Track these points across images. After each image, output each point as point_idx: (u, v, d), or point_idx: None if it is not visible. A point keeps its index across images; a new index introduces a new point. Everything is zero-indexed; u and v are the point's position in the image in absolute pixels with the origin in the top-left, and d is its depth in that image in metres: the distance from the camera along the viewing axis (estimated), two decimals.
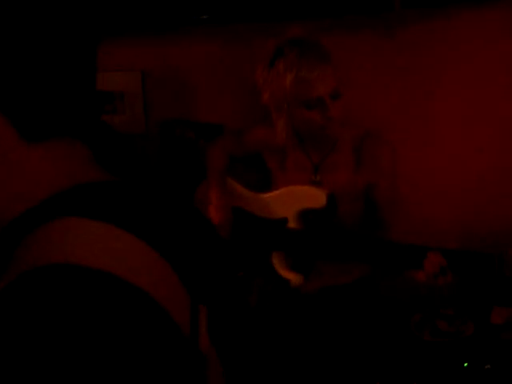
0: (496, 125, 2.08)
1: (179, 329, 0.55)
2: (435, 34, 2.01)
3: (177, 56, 2.35)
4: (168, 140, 2.36)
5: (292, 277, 1.79)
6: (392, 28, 2.01)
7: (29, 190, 0.61)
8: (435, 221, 2.12)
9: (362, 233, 1.87)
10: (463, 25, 2.00)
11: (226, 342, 0.65)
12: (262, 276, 1.95)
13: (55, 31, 0.60)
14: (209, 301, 0.62)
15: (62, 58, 0.61)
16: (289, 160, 1.87)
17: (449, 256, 1.57)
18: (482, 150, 2.08)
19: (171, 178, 2.32)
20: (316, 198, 1.74)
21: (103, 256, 0.54)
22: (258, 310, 1.90)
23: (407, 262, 1.63)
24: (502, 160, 2.10)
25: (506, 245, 1.55)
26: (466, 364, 1.85)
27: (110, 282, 0.52)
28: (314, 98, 1.65)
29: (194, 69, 2.34)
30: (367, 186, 1.81)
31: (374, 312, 1.93)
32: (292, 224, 1.78)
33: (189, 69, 2.35)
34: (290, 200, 1.79)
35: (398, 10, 1.89)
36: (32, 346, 0.48)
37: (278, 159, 1.89)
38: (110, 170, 0.68)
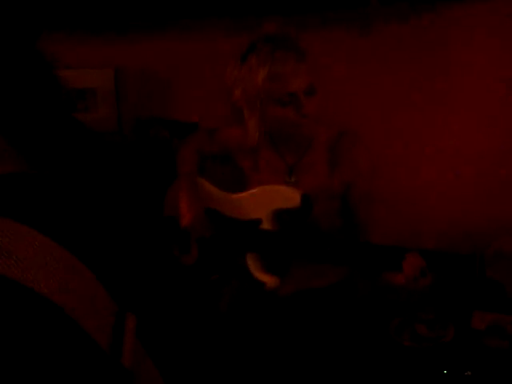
0: (473, 124, 2.05)
1: (91, 340, 0.48)
2: (412, 31, 1.97)
3: (151, 53, 2.29)
4: (141, 139, 2.30)
5: (267, 279, 1.73)
6: (368, 24, 1.97)
7: None
8: (414, 221, 2.08)
9: (339, 234, 1.82)
10: (442, 21, 1.96)
11: (165, 350, 0.58)
12: (235, 279, 1.89)
13: None
14: (138, 308, 0.55)
15: None
16: (262, 161, 1.82)
17: (428, 257, 1.52)
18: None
19: (143, 177, 2.25)
20: (290, 198, 1.68)
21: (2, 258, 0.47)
22: (229, 315, 1.83)
23: (386, 264, 1.57)
24: (480, 160, 2.07)
25: (486, 245, 1.49)
26: (445, 371, 1.80)
27: (4, 288, 0.45)
28: (287, 94, 1.61)
29: (169, 66, 2.29)
30: (343, 186, 1.76)
31: (351, 316, 1.88)
32: (266, 225, 1.72)
33: (163, 66, 2.30)
34: (264, 200, 1.73)
35: (374, 5, 1.85)
36: None
37: (250, 160, 1.84)
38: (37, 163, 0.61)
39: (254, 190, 1.77)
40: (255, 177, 1.82)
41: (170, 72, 2.29)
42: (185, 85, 2.26)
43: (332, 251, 1.65)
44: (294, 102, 1.61)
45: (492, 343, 1.90)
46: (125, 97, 2.36)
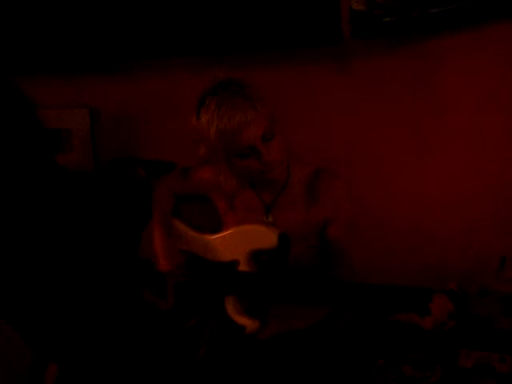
0: (459, 165, 2.03)
1: None
2: (389, 66, 1.96)
3: (126, 93, 2.28)
4: (117, 178, 2.26)
5: (247, 322, 1.68)
6: (343, 60, 1.95)
7: None
8: (393, 257, 2.04)
9: (320, 273, 1.77)
10: (419, 55, 1.95)
11: None
12: (212, 324, 1.84)
13: None
14: (60, 358, 0.51)
15: None
16: (238, 201, 1.78)
17: (409, 293, 1.47)
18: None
19: (119, 217, 2.21)
20: (267, 237, 1.64)
21: None
22: (206, 363, 1.77)
23: (407, 305, 1.50)
24: (475, 200, 2.04)
25: (468, 281, 1.45)
26: None
27: None
28: (243, 147, 1.56)
29: (144, 105, 2.27)
30: (322, 223, 1.71)
31: (334, 357, 1.82)
32: (243, 266, 1.67)
33: (138, 106, 2.28)
34: (240, 241, 1.68)
35: (347, 41, 1.83)
36: None
37: (226, 199, 1.80)
38: None
39: (229, 231, 1.72)
40: (232, 217, 1.78)
41: (145, 111, 2.27)
42: (160, 124, 2.24)
43: (313, 291, 1.60)
44: (254, 153, 1.57)
45: (480, 382, 1.86)
46: (100, 137, 2.34)
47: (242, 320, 1.68)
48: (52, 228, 1.91)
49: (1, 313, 1.55)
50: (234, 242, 1.70)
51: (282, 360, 1.75)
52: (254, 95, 1.56)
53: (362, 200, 1.87)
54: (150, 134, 2.29)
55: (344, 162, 1.93)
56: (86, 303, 1.87)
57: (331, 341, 1.85)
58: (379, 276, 1.67)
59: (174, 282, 1.76)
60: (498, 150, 2.01)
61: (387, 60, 1.96)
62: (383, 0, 1.82)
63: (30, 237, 1.86)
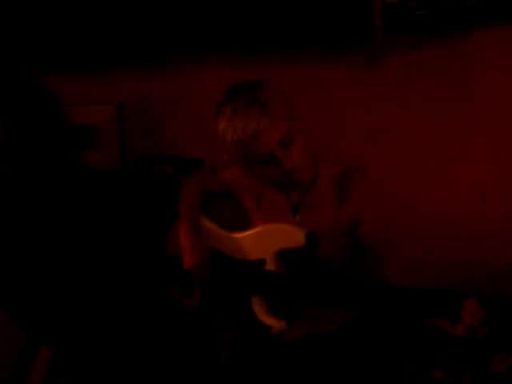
0: (480, 156, 1.98)
1: None
2: (422, 62, 1.91)
3: (155, 88, 2.27)
4: (145, 176, 2.25)
5: (273, 323, 1.65)
6: (372, 57, 1.90)
7: None
8: (422, 256, 2.00)
9: (350, 275, 1.73)
10: (453, 51, 1.89)
11: None
12: (237, 325, 1.81)
13: None
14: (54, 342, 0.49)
15: None
16: (265, 200, 1.75)
17: (440, 298, 1.43)
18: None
19: (147, 215, 2.20)
20: (294, 236, 1.61)
21: None
22: (230, 365, 1.75)
23: (403, 307, 1.47)
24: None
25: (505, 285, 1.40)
26: None
27: None
28: (260, 155, 1.53)
29: (173, 102, 2.26)
30: (352, 222, 1.67)
31: (363, 361, 1.78)
32: (270, 265, 1.65)
33: (167, 102, 2.27)
34: (267, 240, 1.66)
35: (378, 38, 1.78)
36: None
37: (254, 199, 1.77)
38: None
39: (256, 229, 1.70)
40: (259, 216, 1.76)
41: (175, 108, 2.26)
42: (189, 121, 2.23)
43: (343, 294, 1.57)
44: (273, 160, 1.54)
45: None
46: (128, 133, 2.33)
47: (269, 320, 1.65)
48: (78, 226, 1.92)
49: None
50: (261, 240, 1.67)
51: (308, 363, 1.72)
52: (268, 100, 1.51)
53: (388, 198, 1.83)
54: (178, 130, 2.28)
55: (372, 159, 1.88)
56: (108, 298, 1.88)
57: (359, 344, 1.81)
58: (408, 277, 1.62)
59: (200, 279, 1.74)
60: None
61: (420, 55, 1.92)
62: None
63: (56, 234, 1.86)
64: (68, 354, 1.71)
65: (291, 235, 1.62)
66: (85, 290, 1.82)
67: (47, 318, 1.64)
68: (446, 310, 1.42)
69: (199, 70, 2.21)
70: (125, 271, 2.07)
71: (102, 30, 2.21)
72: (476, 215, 2.05)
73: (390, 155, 2.03)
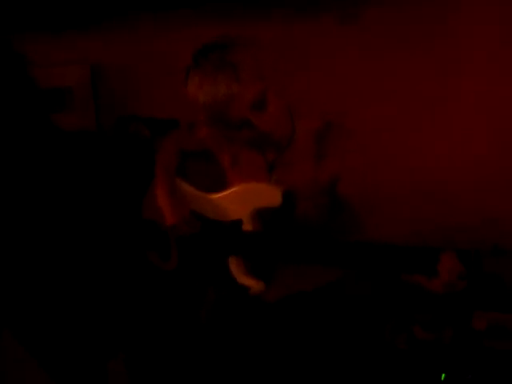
0: (462, 113, 1.96)
1: None
2: (402, 13, 1.88)
3: (128, 48, 2.22)
4: (121, 137, 2.21)
5: (252, 283, 1.64)
6: (355, 10, 1.87)
7: None
8: (403, 215, 1.99)
9: (330, 233, 1.72)
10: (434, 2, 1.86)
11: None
12: (214, 286, 1.80)
13: None
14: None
15: None
16: (242, 160, 1.73)
17: (416, 253, 1.42)
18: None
19: (123, 177, 2.17)
20: (270, 195, 1.59)
21: None
22: (209, 325, 1.74)
23: (412, 266, 1.44)
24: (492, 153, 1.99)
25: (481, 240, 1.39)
26: (443, 375, 1.71)
27: None
28: (233, 120, 1.50)
29: (147, 62, 2.21)
30: (332, 180, 1.65)
31: (344, 319, 1.78)
32: (247, 225, 1.63)
33: (141, 62, 2.22)
34: (243, 199, 1.64)
35: None
36: None
37: (230, 159, 1.75)
38: None
39: (232, 189, 1.68)
40: (235, 176, 1.73)
41: (148, 68, 2.21)
42: (163, 81, 2.18)
43: (321, 252, 1.55)
44: (247, 124, 1.51)
45: (493, 344, 1.82)
46: (102, 95, 2.29)
47: (247, 281, 1.65)
48: (51, 190, 1.88)
49: None
50: (238, 200, 1.65)
51: (288, 323, 1.72)
52: (239, 62, 1.47)
53: (370, 154, 1.81)
54: (153, 91, 2.23)
55: (353, 114, 1.86)
56: (84, 259, 1.86)
57: (339, 304, 1.81)
58: (388, 235, 1.61)
59: (180, 236, 1.71)
60: None
61: (399, 7, 1.88)
62: None
63: (28, 199, 1.83)
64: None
65: (267, 194, 1.60)
66: (60, 253, 1.80)
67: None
68: (423, 265, 1.41)
69: (174, 29, 2.15)
70: (101, 236, 2.05)
71: None
72: (460, 173, 2.04)
73: (370, 108, 2.01)
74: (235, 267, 1.65)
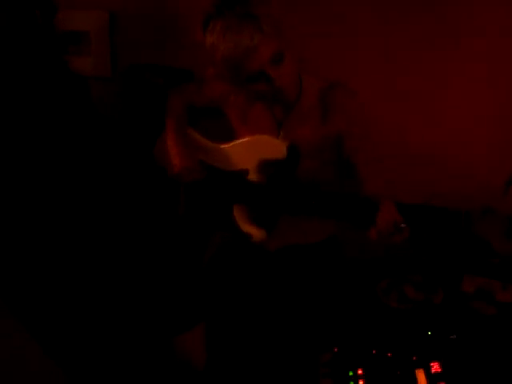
0: (460, 81, 2.00)
1: None
2: None
3: None
4: (135, 84, 2.24)
5: (254, 231, 1.69)
6: None
7: None
8: (401, 177, 2.02)
9: (336, 188, 1.74)
10: None
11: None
12: (220, 232, 1.85)
13: None
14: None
15: None
16: (251, 116, 1.75)
17: (410, 211, 1.43)
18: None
19: (135, 124, 2.21)
20: (276, 148, 1.63)
21: None
22: (210, 268, 1.80)
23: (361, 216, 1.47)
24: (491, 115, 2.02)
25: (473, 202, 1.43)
26: (429, 332, 1.77)
27: None
28: (251, 72, 1.50)
29: (165, 11, 2.21)
30: (336, 137, 1.68)
31: (338, 275, 1.84)
32: (252, 176, 1.67)
33: (161, 11, 2.22)
34: (250, 150, 1.68)
35: None
36: None
37: (239, 114, 1.77)
38: None
39: (241, 140, 1.71)
40: (244, 131, 1.76)
41: (167, 17, 2.21)
42: (181, 31, 2.19)
43: (322, 206, 1.60)
44: (263, 77, 1.51)
45: (479, 306, 1.88)
46: (119, 41, 2.30)
47: (249, 228, 1.69)
48: (62, 134, 1.92)
49: None
50: (244, 151, 1.69)
51: (287, 273, 1.77)
52: (262, 15, 1.47)
53: (372, 115, 1.84)
54: (170, 40, 2.24)
55: (356, 80, 1.88)
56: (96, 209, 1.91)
57: (337, 258, 1.86)
58: (394, 194, 1.65)
59: (188, 183, 1.75)
60: None
61: None
62: None
63: (41, 141, 1.87)
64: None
65: (273, 146, 1.64)
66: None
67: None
68: (363, 214, 1.44)
69: None
70: (113, 181, 2.10)
71: None
72: (454, 138, 2.08)
73: (372, 75, 2.04)
74: (239, 215, 1.70)
